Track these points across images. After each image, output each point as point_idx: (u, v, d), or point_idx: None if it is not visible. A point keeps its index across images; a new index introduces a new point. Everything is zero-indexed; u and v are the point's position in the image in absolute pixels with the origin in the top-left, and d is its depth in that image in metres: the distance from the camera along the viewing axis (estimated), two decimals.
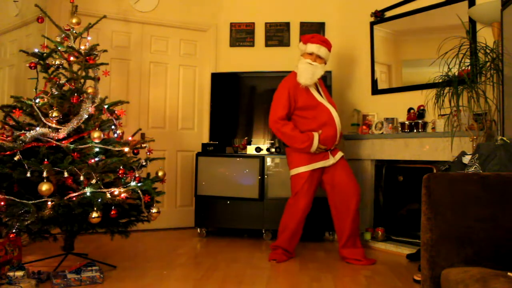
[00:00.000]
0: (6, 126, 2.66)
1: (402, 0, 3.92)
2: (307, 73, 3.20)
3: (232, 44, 4.66)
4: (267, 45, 4.64)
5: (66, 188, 2.54)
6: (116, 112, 2.94)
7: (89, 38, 3.03)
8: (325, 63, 3.32)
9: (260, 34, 4.64)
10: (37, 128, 2.52)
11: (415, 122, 3.60)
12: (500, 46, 2.80)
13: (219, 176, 4.01)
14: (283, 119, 3.23)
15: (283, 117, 3.23)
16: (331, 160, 3.24)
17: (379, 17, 4.12)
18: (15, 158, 2.37)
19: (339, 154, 3.32)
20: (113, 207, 2.51)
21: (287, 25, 4.61)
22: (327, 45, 3.28)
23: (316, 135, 3.17)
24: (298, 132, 3.19)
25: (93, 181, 2.51)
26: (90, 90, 2.75)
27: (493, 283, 1.27)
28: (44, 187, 2.33)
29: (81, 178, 2.46)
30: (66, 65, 2.89)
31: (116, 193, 2.55)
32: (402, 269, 3.04)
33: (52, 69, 2.87)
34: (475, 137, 2.94)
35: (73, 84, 2.82)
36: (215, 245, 3.73)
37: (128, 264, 3.00)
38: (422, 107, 3.62)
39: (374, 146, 3.92)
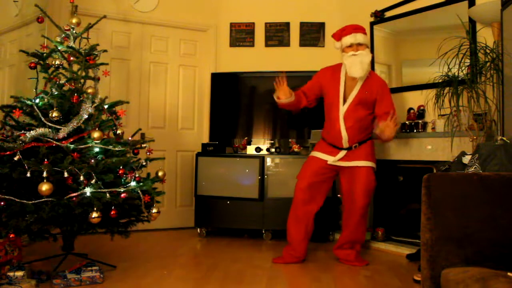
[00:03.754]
0: (6, 126, 2.66)
1: (402, 0, 3.92)
2: (355, 65, 3.09)
3: (232, 44, 4.66)
4: (267, 45, 4.64)
5: (66, 188, 2.54)
6: (116, 112, 2.94)
7: (89, 38, 3.03)
8: (368, 48, 3.17)
9: (260, 34, 4.64)
10: (37, 128, 2.52)
11: (415, 122, 3.60)
12: (500, 46, 2.80)
13: (219, 176, 4.00)
14: (299, 91, 3.27)
15: (301, 89, 3.29)
16: (331, 159, 3.16)
17: (379, 17, 4.12)
18: (15, 158, 2.37)
19: (358, 163, 3.13)
20: (113, 207, 2.51)
21: (287, 25, 4.61)
22: (361, 30, 3.18)
23: (283, 98, 3.15)
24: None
25: (93, 181, 2.51)
26: (90, 90, 2.75)
27: (493, 283, 1.27)
28: (44, 187, 2.33)
29: (81, 178, 2.46)
30: (66, 65, 2.88)
31: (116, 193, 2.55)
32: (402, 269, 3.04)
33: (52, 69, 2.86)
34: (475, 137, 2.94)
35: (73, 84, 2.81)
36: (215, 245, 3.73)
37: (128, 264, 3.00)
38: (422, 107, 3.62)
39: (374, 146, 3.91)
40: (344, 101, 3.16)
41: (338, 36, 3.21)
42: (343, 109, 3.15)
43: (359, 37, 3.12)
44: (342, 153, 3.16)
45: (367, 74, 3.16)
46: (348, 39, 3.12)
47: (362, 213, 3.13)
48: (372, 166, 3.19)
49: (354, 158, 3.16)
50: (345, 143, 3.15)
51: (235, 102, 4.39)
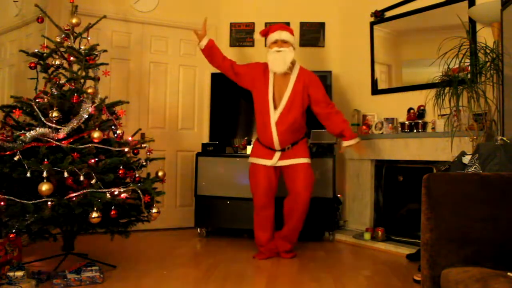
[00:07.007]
0: (6, 126, 2.66)
1: (402, 0, 3.92)
2: (278, 60, 3.20)
3: (232, 44, 4.66)
4: (267, 45, 4.62)
5: (66, 188, 2.53)
6: (116, 112, 2.94)
7: (89, 38, 3.03)
8: (294, 48, 3.29)
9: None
10: (37, 128, 2.52)
11: (415, 122, 3.60)
12: (500, 46, 2.80)
13: (219, 176, 4.00)
14: (231, 62, 3.41)
15: (234, 64, 3.41)
16: (269, 162, 3.27)
17: (379, 17, 4.12)
18: (15, 158, 2.37)
19: (295, 160, 3.26)
20: (113, 207, 2.51)
21: (287, 25, 4.60)
22: (288, 29, 3.31)
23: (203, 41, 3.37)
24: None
25: (93, 181, 2.51)
26: (90, 90, 2.75)
27: (493, 283, 1.27)
28: (44, 187, 2.33)
29: (81, 178, 2.46)
30: (66, 65, 2.89)
31: (116, 193, 2.55)
32: (402, 269, 3.04)
33: (52, 69, 2.87)
34: (475, 137, 2.94)
35: (73, 84, 2.81)
36: (215, 245, 3.73)
37: (128, 264, 3.00)
38: (422, 107, 3.62)
39: (374, 146, 3.91)
40: (275, 104, 3.24)
41: (265, 33, 3.35)
42: (275, 116, 3.23)
43: (284, 35, 3.24)
44: (277, 155, 3.27)
45: (289, 69, 3.24)
46: (273, 35, 3.25)
47: (305, 207, 3.24)
48: (309, 162, 3.31)
49: (291, 156, 3.29)
50: (277, 146, 3.26)
51: (235, 102, 4.39)
